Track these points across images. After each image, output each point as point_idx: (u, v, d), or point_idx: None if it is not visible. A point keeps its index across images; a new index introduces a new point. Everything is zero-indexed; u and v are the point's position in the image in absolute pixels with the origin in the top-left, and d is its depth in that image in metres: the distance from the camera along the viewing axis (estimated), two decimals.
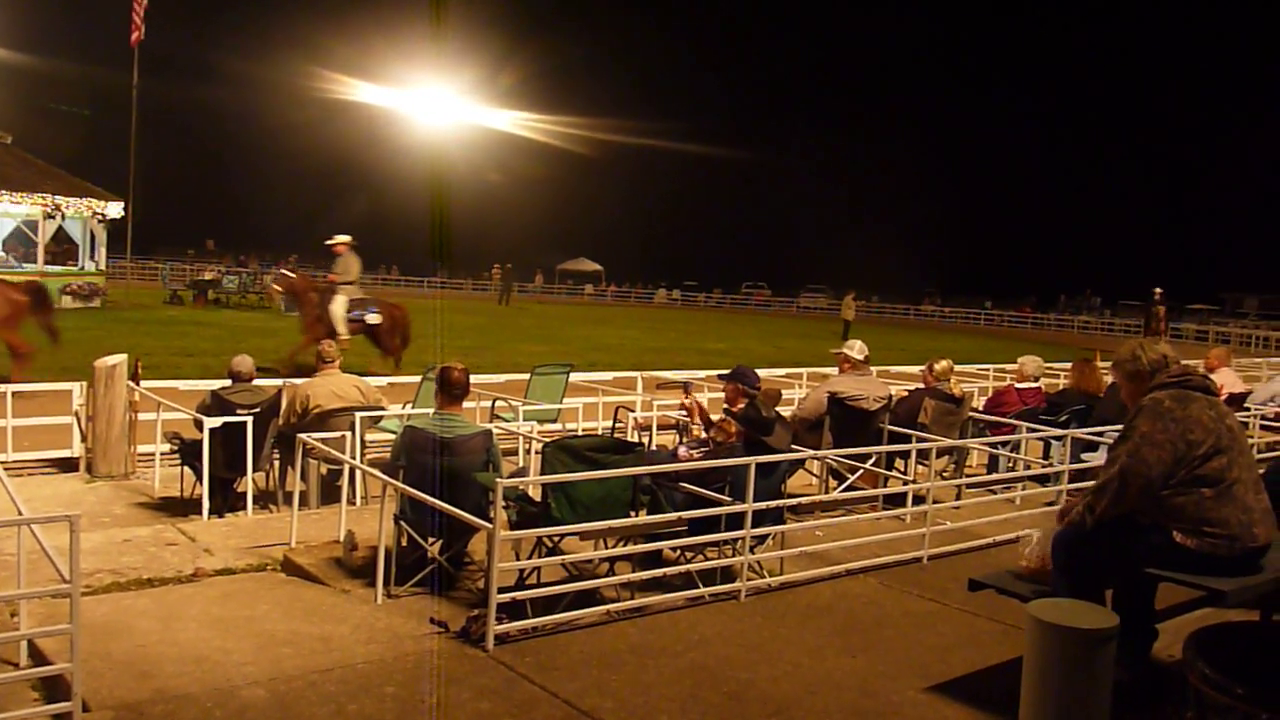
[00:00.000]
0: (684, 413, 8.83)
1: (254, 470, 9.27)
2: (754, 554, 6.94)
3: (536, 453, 7.39)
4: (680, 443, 8.49)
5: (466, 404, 8.02)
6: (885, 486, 9.18)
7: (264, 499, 9.55)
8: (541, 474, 6.51)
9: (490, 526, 5.71)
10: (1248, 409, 12.61)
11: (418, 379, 11.52)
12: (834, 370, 11.28)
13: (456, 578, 6.85)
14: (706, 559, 6.97)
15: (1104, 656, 3.74)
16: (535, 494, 6.68)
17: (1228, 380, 13.00)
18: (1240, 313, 70.21)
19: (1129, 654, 5.07)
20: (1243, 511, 4.79)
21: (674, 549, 7.05)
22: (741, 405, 7.47)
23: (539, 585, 6.31)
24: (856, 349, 9.78)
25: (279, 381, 10.71)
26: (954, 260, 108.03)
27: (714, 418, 7.99)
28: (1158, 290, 31.21)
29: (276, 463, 9.70)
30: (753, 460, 6.72)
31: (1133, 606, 5.19)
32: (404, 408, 10.71)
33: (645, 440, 10.52)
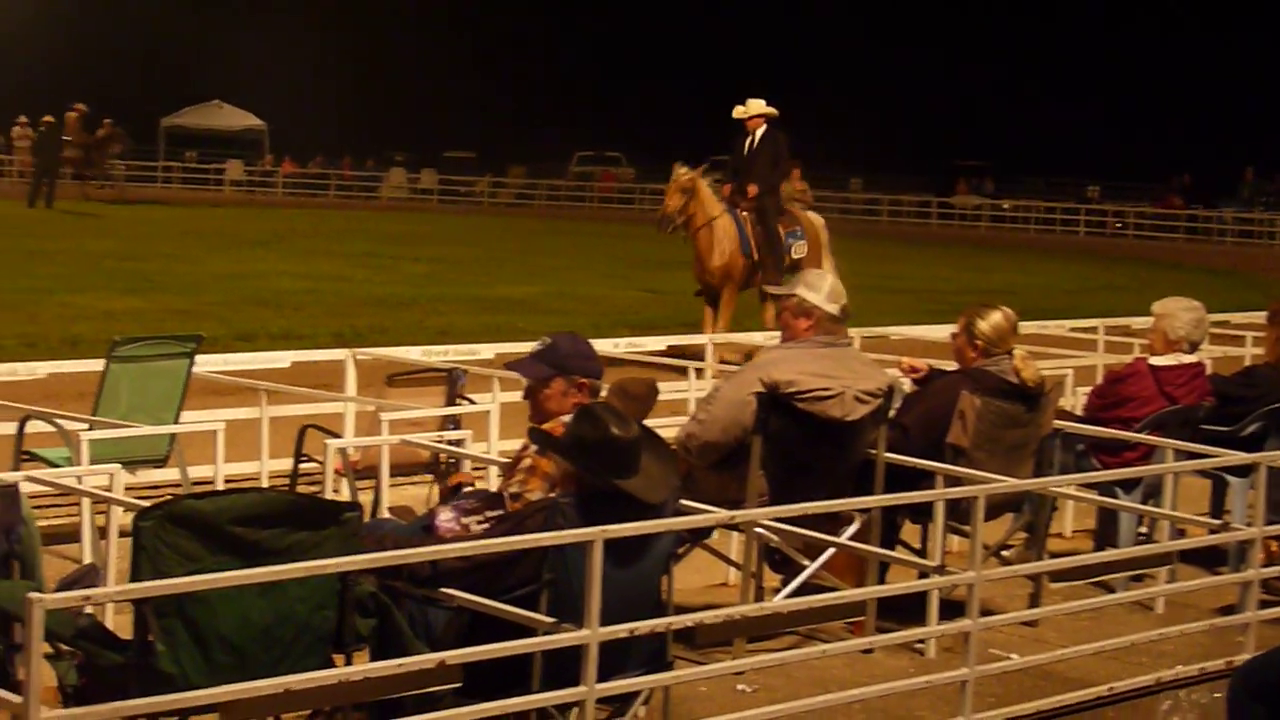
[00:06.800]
0: (453, 431, 6.81)
1: None
2: None
3: (125, 534, 4.86)
4: (445, 501, 5.81)
5: None
6: (884, 582, 6.37)
7: None
8: (136, 578, 4.32)
9: (17, 701, 3.81)
10: None
11: None
12: (771, 338, 8.01)
13: None
14: None
15: None
16: (122, 626, 4.88)
17: None
18: None
19: None
20: None
21: None
22: (565, 421, 5.08)
23: None
24: (824, 289, 6.32)
25: None
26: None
27: (519, 445, 5.56)
28: None
29: None
30: (599, 534, 4.57)
31: None
32: None
33: (367, 497, 7.02)
